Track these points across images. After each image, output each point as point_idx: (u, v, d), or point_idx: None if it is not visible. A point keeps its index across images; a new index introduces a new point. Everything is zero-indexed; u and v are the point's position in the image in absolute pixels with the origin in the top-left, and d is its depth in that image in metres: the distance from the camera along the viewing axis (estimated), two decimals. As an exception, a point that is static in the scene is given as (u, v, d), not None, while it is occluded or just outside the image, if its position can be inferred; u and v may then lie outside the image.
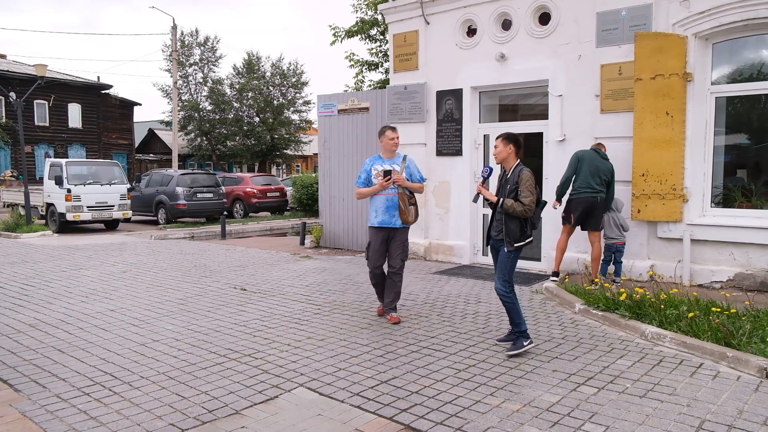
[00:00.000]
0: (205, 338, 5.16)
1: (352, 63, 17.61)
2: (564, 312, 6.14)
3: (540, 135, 8.49)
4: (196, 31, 36.29)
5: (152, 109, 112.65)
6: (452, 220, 9.35)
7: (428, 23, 9.42)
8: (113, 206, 15.59)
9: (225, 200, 18.72)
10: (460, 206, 9.20)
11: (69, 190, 14.76)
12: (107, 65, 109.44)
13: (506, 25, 8.69)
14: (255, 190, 20.12)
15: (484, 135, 9.08)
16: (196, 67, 36.22)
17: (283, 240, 13.45)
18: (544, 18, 8.30)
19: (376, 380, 4.14)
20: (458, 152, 9.20)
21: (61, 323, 5.69)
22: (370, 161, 5.87)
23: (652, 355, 4.68)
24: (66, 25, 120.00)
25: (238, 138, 36.72)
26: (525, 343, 4.71)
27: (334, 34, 16.91)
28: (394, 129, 5.83)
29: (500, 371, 4.32)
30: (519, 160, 4.81)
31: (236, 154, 37.22)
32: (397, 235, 5.73)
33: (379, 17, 15.09)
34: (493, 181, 5.18)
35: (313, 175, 20.36)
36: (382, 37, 16.67)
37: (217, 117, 35.92)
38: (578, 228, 7.20)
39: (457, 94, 9.17)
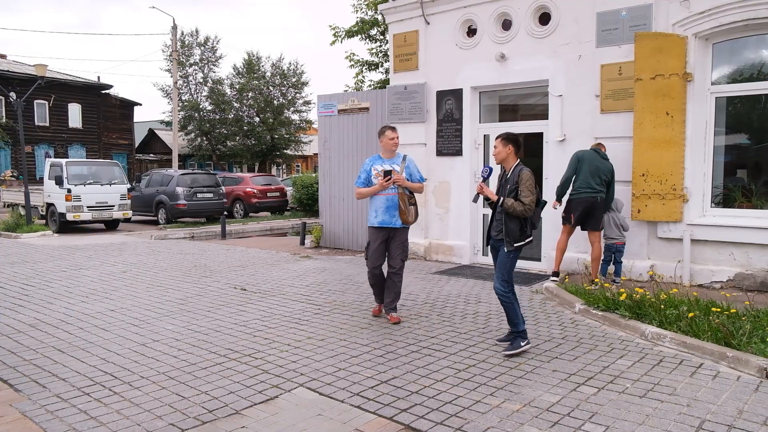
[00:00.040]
0: (205, 338, 5.16)
1: (352, 63, 17.62)
2: (564, 312, 6.14)
3: (540, 135, 8.49)
4: (197, 31, 36.34)
5: (152, 109, 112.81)
6: (452, 220, 9.35)
7: (428, 23, 9.42)
8: (113, 206, 15.59)
9: (225, 200, 18.72)
10: (460, 206, 9.20)
11: (69, 190, 14.77)
12: (107, 65, 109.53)
13: (506, 25, 8.69)
14: (255, 190, 20.12)
15: (484, 135, 9.08)
16: (196, 67, 36.25)
17: (283, 240, 13.46)
18: (544, 18, 8.30)
19: (376, 380, 4.14)
20: (458, 152, 9.20)
21: (61, 323, 5.69)
22: (370, 161, 5.87)
23: (652, 355, 4.68)
24: (66, 25, 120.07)
25: (238, 138, 36.73)
26: (522, 344, 4.72)
27: (334, 34, 16.92)
28: (393, 129, 5.82)
29: (500, 371, 4.32)
30: (519, 160, 4.81)
31: (236, 154, 37.23)
32: (397, 235, 5.73)
33: (379, 17, 15.09)
34: (493, 181, 5.18)
35: (313, 175, 20.37)
36: (382, 37, 16.67)
37: (218, 117, 35.93)
38: (578, 228, 7.20)
39: (457, 94, 9.18)
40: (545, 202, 4.94)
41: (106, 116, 33.43)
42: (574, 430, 3.35)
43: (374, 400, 3.78)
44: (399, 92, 9.76)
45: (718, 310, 5.19)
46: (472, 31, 9.08)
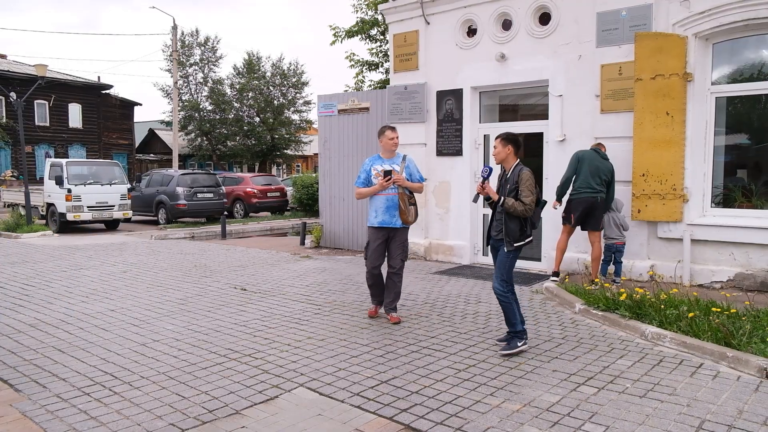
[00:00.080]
0: (205, 338, 5.17)
1: (353, 63, 17.63)
2: (564, 312, 6.14)
3: (540, 135, 8.50)
4: (197, 31, 36.34)
5: (152, 109, 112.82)
6: (452, 220, 9.35)
7: (428, 23, 9.42)
8: (113, 206, 15.60)
9: (225, 200, 18.72)
10: (460, 206, 9.20)
11: (69, 190, 14.77)
12: (107, 65, 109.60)
13: (506, 25, 8.69)
14: (255, 190, 20.12)
15: (485, 135, 9.08)
16: (196, 67, 36.25)
17: (284, 240, 13.46)
18: (544, 18, 8.30)
19: (376, 380, 4.14)
20: (458, 152, 9.20)
21: (61, 323, 5.69)
22: (370, 161, 5.86)
23: (652, 355, 4.68)
24: (66, 25, 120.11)
25: (238, 138, 36.74)
26: (519, 344, 4.72)
27: (334, 34, 16.92)
28: (393, 129, 5.82)
29: (500, 371, 4.32)
30: (519, 160, 4.81)
31: (236, 154, 37.24)
32: (397, 235, 5.73)
33: (380, 17, 15.09)
34: (493, 181, 5.18)
35: (314, 175, 20.37)
36: (382, 37, 16.67)
37: (218, 117, 35.93)
38: (578, 228, 7.20)
39: (457, 94, 9.18)
40: (545, 202, 4.94)
41: (106, 116, 33.44)
42: (574, 430, 3.35)
43: (374, 400, 3.78)
44: (399, 92, 9.76)
45: (718, 310, 5.19)
46: (472, 31, 9.08)
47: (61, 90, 30.30)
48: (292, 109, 38.40)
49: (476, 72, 8.92)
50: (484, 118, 9.24)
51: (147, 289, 7.34)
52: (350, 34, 16.68)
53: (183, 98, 34.78)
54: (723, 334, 4.64)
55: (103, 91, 33.55)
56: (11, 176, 25.40)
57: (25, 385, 4.05)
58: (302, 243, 11.94)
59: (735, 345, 4.49)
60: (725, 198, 7.28)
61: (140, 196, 18.00)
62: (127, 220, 16.86)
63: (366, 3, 16.93)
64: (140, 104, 36.54)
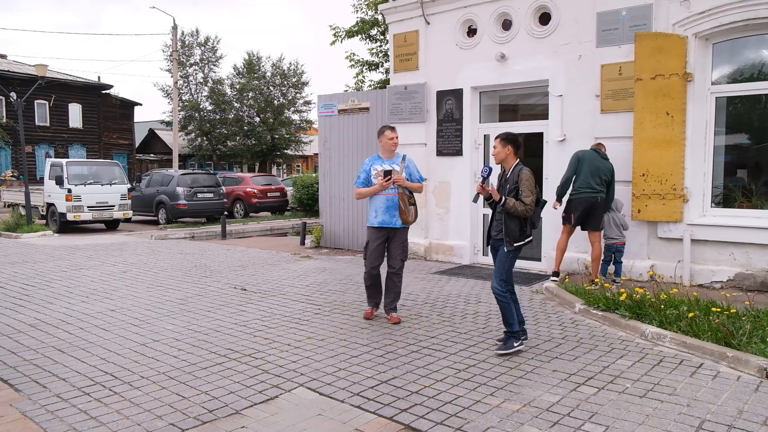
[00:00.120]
0: (205, 338, 5.17)
1: (353, 63, 17.63)
2: (564, 312, 6.14)
3: (540, 135, 8.50)
4: (197, 31, 36.37)
5: (153, 109, 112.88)
6: (452, 220, 9.35)
7: (428, 23, 9.42)
8: (114, 206, 15.60)
9: (225, 200, 18.73)
10: (460, 206, 9.20)
11: (69, 190, 14.77)
12: (107, 65, 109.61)
13: (506, 25, 8.69)
14: (255, 190, 20.13)
15: (485, 135, 9.08)
16: (196, 67, 36.27)
17: (284, 240, 13.46)
18: (544, 18, 8.30)
19: (376, 380, 4.14)
20: (458, 152, 9.20)
21: (61, 323, 5.69)
22: (370, 161, 5.86)
23: (652, 355, 4.68)
24: (66, 25, 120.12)
25: (238, 138, 36.75)
26: (515, 344, 4.73)
27: (334, 34, 16.93)
28: (393, 129, 5.82)
29: (500, 371, 4.32)
30: (518, 160, 4.81)
31: (237, 154, 37.25)
32: (397, 236, 5.73)
33: (380, 17, 15.09)
34: (493, 181, 5.18)
35: (314, 175, 20.38)
36: (382, 37, 16.67)
37: (218, 117, 35.94)
38: (578, 228, 7.20)
39: (457, 94, 9.18)
40: (545, 202, 4.95)
41: (106, 116, 33.45)
42: (574, 430, 3.35)
43: (374, 400, 3.79)
44: (399, 92, 9.76)
45: (718, 310, 5.19)
46: (472, 31, 9.08)
47: (62, 90, 30.31)
48: (292, 109, 38.41)
49: (476, 72, 8.92)
50: (484, 118, 9.24)
51: (147, 289, 7.34)
52: (350, 34, 16.69)
53: (183, 98, 34.79)
54: (723, 334, 4.64)
55: (104, 91, 33.56)
56: (11, 176, 25.41)
57: (25, 385, 4.05)
58: (302, 243, 11.94)
59: (735, 345, 4.49)
60: (725, 198, 7.28)
61: (140, 196, 18.00)
62: (128, 220, 16.86)
63: (366, 3, 16.94)
64: (140, 104, 36.59)
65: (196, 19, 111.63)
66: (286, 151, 38.66)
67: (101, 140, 33.02)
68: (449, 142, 9.31)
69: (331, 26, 17.21)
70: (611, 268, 7.26)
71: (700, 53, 7.03)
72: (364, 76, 17.88)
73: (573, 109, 7.96)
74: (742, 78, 7.14)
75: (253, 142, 36.78)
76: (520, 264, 8.19)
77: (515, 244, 4.68)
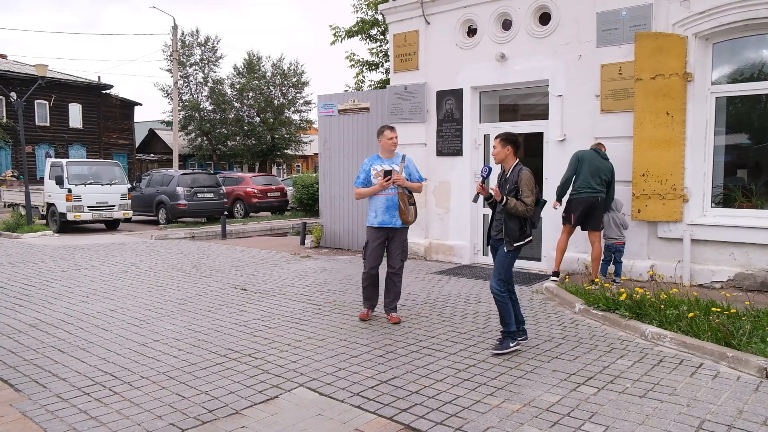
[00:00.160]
0: (205, 338, 5.17)
1: (353, 63, 17.63)
2: (564, 312, 6.14)
3: (540, 135, 8.49)
4: (197, 31, 36.36)
5: (153, 109, 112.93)
6: (452, 220, 9.35)
7: (428, 23, 9.42)
8: (114, 206, 15.61)
9: (225, 200, 18.73)
10: (461, 206, 9.20)
11: (70, 190, 14.77)
12: (108, 65, 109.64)
13: (506, 25, 8.69)
14: (255, 190, 20.13)
15: (485, 135, 9.08)
16: (196, 67, 36.26)
17: (284, 240, 13.46)
18: (545, 18, 8.30)
19: (376, 380, 4.14)
20: (458, 152, 9.20)
21: (61, 323, 5.70)
22: (369, 161, 5.86)
23: (652, 355, 4.68)
24: (66, 25, 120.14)
25: (238, 138, 36.74)
26: (511, 344, 4.73)
27: (334, 34, 16.93)
28: (392, 129, 5.82)
29: (500, 371, 4.33)
30: (518, 160, 4.81)
31: (237, 154, 37.24)
32: (397, 236, 5.73)
33: (380, 17, 15.09)
34: (493, 181, 5.19)
35: (314, 175, 20.37)
36: (382, 37, 16.67)
37: (218, 117, 35.93)
38: (578, 228, 7.19)
39: (457, 94, 9.18)
40: (545, 202, 4.95)
41: (106, 116, 33.45)
42: (574, 430, 3.35)
43: (374, 400, 3.79)
44: (399, 92, 9.76)
45: (718, 310, 5.19)
46: (472, 31, 9.08)
47: (62, 90, 30.31)
48: (293, 109, 38.40)
49: (476, 72, 8.92)
50: (484, 118, 9.24)
51: (147, 289, 7.34)
52: (350, 34, 16.69)
53: (183, 98, 34.79)
54: (723, 334, 4.64)
55: (104, 91, 33.56)
56: (11, 176, 25.41)
57: (26, 385, 4.05)
58: (302, 243, 11.95)
59: (735, 345, 4.49)
60: (725, 198, 7.28)
61: (140, 196, 18.01)
62: (128, 220, 16.87)
63: (366, 3, 16.94)
64: (140, 104, 36.58)
65: (196, 19, 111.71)
66: (286, 151, 38.65)
67: (101, 140, 33.02)
68: (449, 142, 9.31)
69: (331, 26, 17.22)
70: (611, 268, 7.26)
71: (700, 53, 7.03)
72: (364, 76, 17.90)
73: (573, 109, 7.96)
74: (742, 78, 7.14)
75: (253, 142, 36.77)
76: (520, 264, 8.19)
77: (515, 244, 4.68)
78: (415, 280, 7.84)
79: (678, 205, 7.07)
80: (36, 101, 29.15)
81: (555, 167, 8.00)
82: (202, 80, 36.43)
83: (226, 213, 17.32)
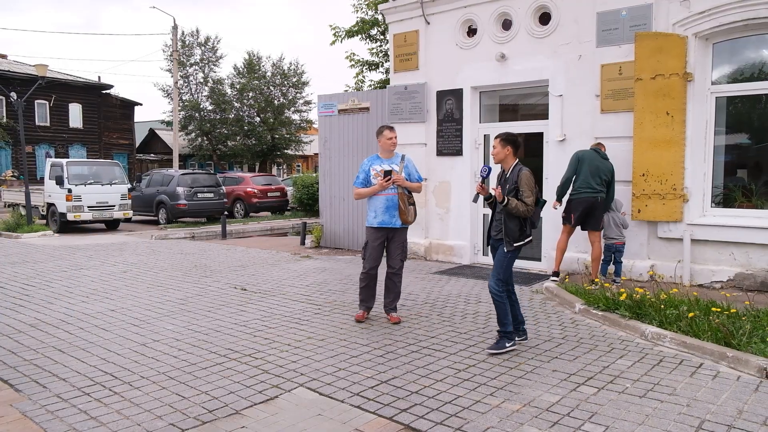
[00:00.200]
0: (205, 338, 5.17)
1: (353, 63, 17.63)
2: (564, 312, 6.14)
3: (540, 135, 8.49)
4: (197, 31, 36.38)
5: (153, 109, 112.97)
6: (452, 220, 9.35)
7: (428, 23, 9.42)
8: (114, 206, 15.61)
9: (225, 200, 18.73)
10: (461, 206, 9.20)
11: (70, 190, 14.78)
12: (108, 65, 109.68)
13: (506, 25, 8.69)
14: (255, 190, 20.13)
15: (485, 135, 9.07)
16: (196, 67, 36.26)
17: (284, 240, 13.46)
18: (545, 18, 8.30)
19: (376, 380, 4.14)
20: (458, 152, 9.20)
21: (61, 323, 5.70)
22: (369, 161, 5.86)
23: (652, 355, 4.68)
24: (66, 25, 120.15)
25: (238, 138, 36.74)
26: (507, 345, 4.73)
27: (334, 34, 16.92)
28: (392, 129, 5.82)
29: (500, 371, 4.33)
30: (518, 160, 4.81)
31: (237, 154, 37.24)
32: (397, 236, 5.73)
33: (380, 17, 15.09)
34: (493, 181, 5.19)
35: (314, 174, 20.38)
36: (382, 37, 16.67)
37: (218, 117, 35.93)
38: (578, 228, 7.19)
39: (457, 94, 9.18)
40: (545, 202, 4.95)
41: (106, 116, 33.45)
42: (574, 430, 3.35)
43: (374, 400, 3.79)
44: (399, 92, 9.76)
45: (718, 310, 5.19)
46: (472, 31, 9.08)
47: (62, 90, 30.32)
48: (293, 109, 38.39)
49: (476, 72, 8.92)
50: (484, 118, 9.24)
51: (147, 289, 7.35)
52: (350, 34, 16.68)
53: (183, 98, 34.79)
54: (723, 334, 4.64)
55: (104, 91, 33.56)
56: (12, 176, 25.42)
57: (26, 385, 4.05)
58: (302, 243, 11.95)
59: (735, 345, 4.49)
60: (725, 198, 7.28)
61: (140, 196, 18.01)
62: (128, 220, 16.87)
63: (366, 3, 16.94)
64: (140, 104, 36.60)
65: (196, 19, 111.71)
66: (286, 151, 38.64)
67: (101, 140, 33.02)
68: (449, 142, 9.31)
69: (331, 26, 17.22)
70: (611, 268, 7.26)
71: (700, 53, 7.03)
72: (364, 76, 17.90)
73: (573, 109, 7.96)
74: (742, 78, 7.14)
75: (254, 142, 36.77)
76: (520, 264, 8.19)
77: (515, 244, 4.68)
78: (415, 280, 7.84)
79: (678, 205, 7.07)
80: (36, 101, 29.15)
81: (555, 167, 8.00)
82: (202, 80, 36.46)
83: (226, 213, 17.32)
